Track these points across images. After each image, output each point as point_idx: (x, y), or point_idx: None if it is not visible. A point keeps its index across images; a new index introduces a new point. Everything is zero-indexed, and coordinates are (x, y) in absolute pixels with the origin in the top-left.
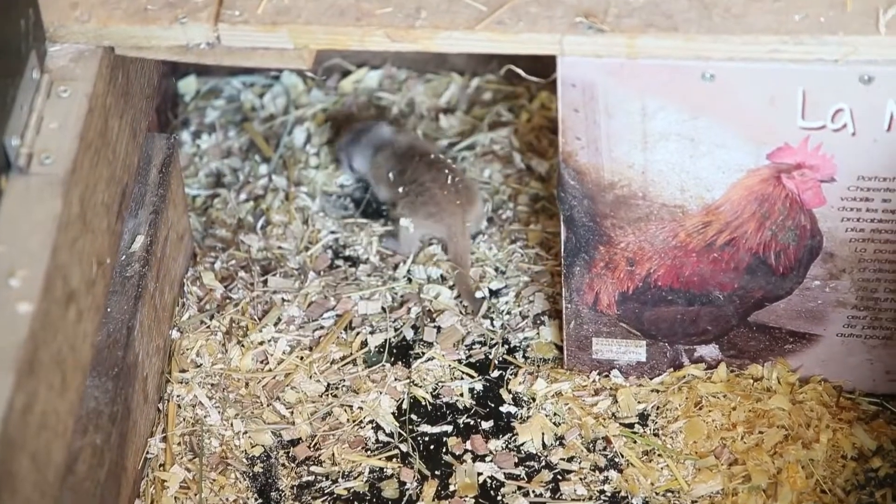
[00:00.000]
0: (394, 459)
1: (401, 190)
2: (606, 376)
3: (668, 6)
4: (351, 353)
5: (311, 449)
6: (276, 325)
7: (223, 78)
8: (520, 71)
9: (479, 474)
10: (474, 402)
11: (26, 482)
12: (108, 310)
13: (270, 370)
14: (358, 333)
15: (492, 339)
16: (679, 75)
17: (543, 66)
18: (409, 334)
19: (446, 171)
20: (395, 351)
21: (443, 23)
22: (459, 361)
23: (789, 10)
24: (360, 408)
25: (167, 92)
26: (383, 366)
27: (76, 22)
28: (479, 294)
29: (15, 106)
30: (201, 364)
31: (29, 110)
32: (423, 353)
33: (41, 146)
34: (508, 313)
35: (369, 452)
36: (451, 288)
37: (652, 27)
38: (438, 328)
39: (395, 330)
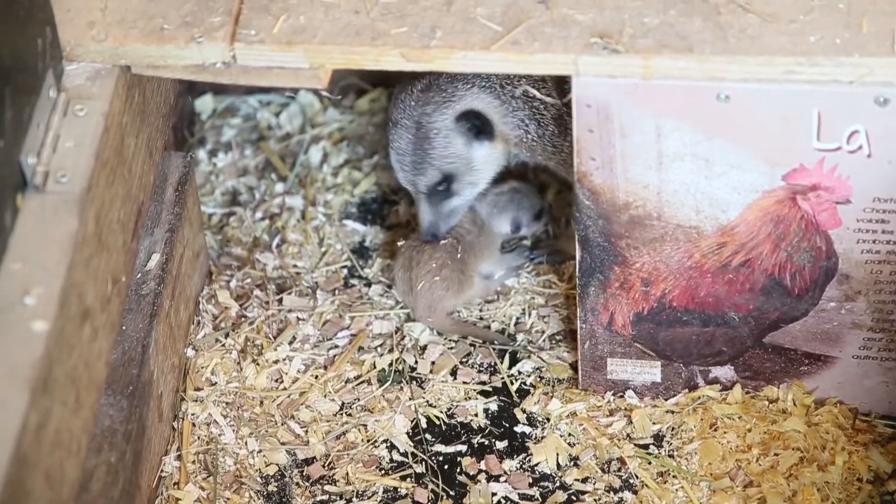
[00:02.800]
0: (408, 479)
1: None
2: (621, 397)
3: (683, 27)
4: (365, 373)
5: (326, 468)
6: (290, 343)
7: (240, 97)
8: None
9: (494, 494)
10: (489, 422)
11: (40, 500)
12: (124, 328)
13: (285, 389)
14: (372, 353)
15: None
16: (694, 96)
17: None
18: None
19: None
20: (409, 370)
21: (458, 43)
22: (476, 382)
23: (805, 31)
24: (375, 427)
25: (184, 110)
26: (398, 385)
27: (93, 41)
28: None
29: (31, 124)
30: (216, 382)
31: (45, 129)
32: (438, 373)
33: (57, 165)
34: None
35: (383, 472)
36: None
37: (667, 48)
38: (452, 347)
39: (410, 349)
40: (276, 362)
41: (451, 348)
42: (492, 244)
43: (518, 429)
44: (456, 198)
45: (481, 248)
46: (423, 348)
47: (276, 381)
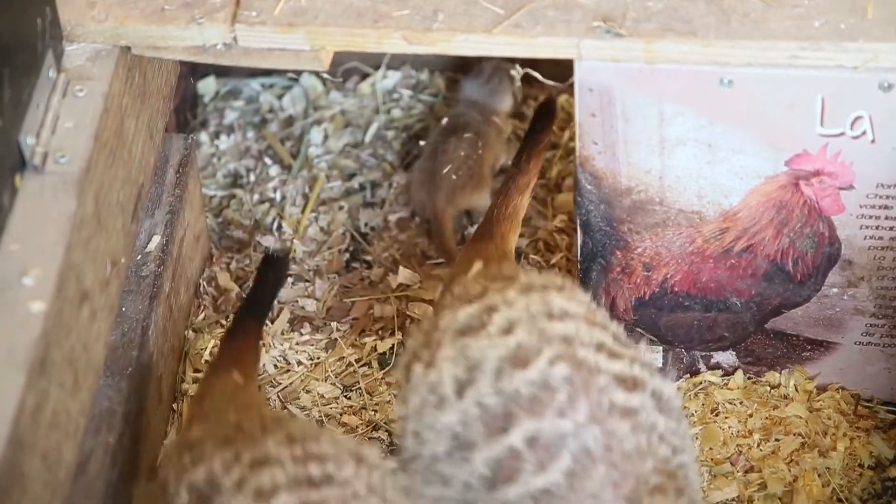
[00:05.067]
0: None
1: None
2: None
3: (687, 11)
4: (366, 356)
5: None
6: (291, 325)
7: (242, 79)
8: (537, 75)
9: None
10: None
11: (37, 482)
12: (123, 309)
13: (286, 372)
14: (373, 336)
15: None
16: (697, 80)
17: (563, 70)
18: None
19: None
20: None
21: (460, 25)
22: None
23: (809, 16)
24: (375, 411)
25: (186, 92)
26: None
27: (93, 21)
28: None
29: (31, 105)
30: None
31: (45, 109)
32: None
33: (56, 145)
34: None
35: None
36: None
37: (670, 32)
38: None
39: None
40: (276, 346)
41: None
42: (500, 133)
43: None
44: None
45: (489, 138)
46: None
47: (276, 364)
